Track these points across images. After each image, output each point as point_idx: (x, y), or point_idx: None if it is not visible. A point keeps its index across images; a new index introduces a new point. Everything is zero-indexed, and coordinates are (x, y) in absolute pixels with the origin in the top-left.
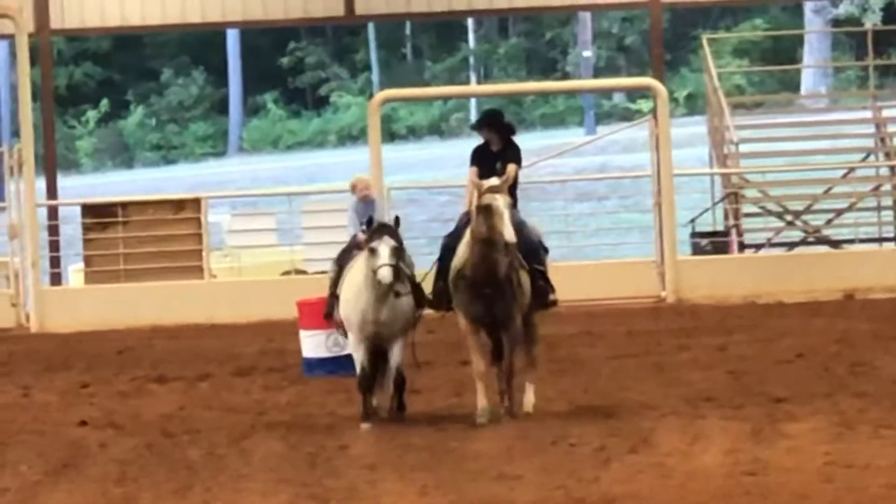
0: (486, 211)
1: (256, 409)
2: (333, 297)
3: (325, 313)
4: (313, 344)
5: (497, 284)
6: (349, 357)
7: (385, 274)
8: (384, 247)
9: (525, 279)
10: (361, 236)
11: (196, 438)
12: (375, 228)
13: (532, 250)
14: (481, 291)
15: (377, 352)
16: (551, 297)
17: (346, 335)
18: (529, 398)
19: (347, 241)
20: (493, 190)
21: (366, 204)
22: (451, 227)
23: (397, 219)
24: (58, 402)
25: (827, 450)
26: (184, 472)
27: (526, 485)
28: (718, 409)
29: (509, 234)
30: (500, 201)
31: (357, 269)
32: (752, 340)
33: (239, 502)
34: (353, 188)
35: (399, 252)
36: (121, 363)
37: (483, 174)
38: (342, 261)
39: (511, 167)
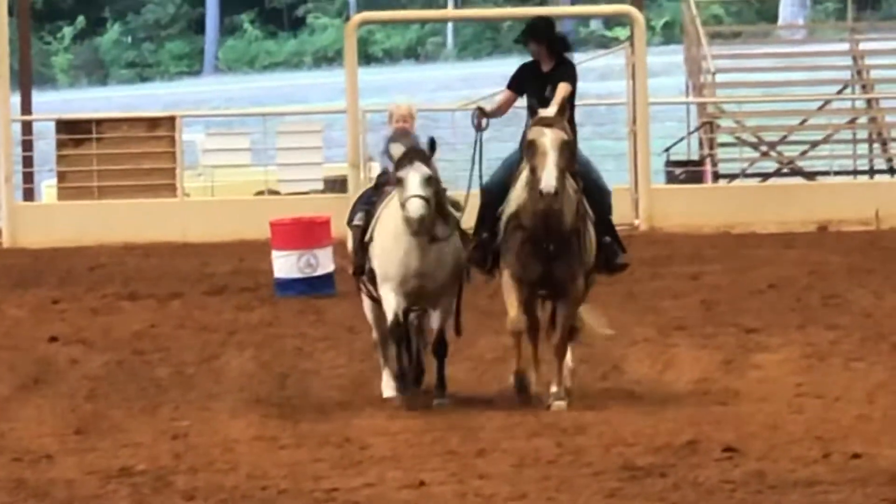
0: (529, 149)
1: (227, 328)
2: (362, 247)
3: (354, 269)
4: (285, 264)
5: (562, 239)
6: (321, 278)
7: (415, 207)
8: (413, 174)
9: (591, 233)
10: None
11: (167, 356)
12: (403, 154)
13: (599, 197)
14: (540, 247)
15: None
16: (620, 257)
17: (373, 296)
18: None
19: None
20: (543, 122)
21: (402, 137)
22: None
23: (432, 142)
24: (28, 318)
25: (798, 381)
26: (153, 389)
27: (495, 410)
28: (690, 338)
29: (547, 181)
30: (549, 137)
31: (392, 211)
32: (724, 270)
33: (208, 421)
34: (389, 117)
35: (433, 182)
36: (92, 280)
37: (531, 100)
38: (369, 203)
39: (562, 87)
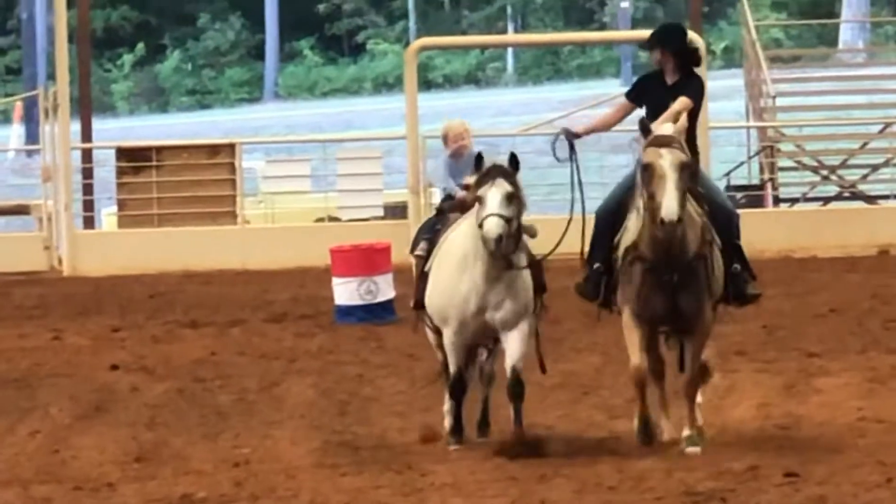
0: (645, 172)
1: (288, 355)
2: (423, 279)
3: (414, 302)
4: (345, 291)
5: (687, 268)
6: (381, 304)
7: (493, 225)
8: (495, 191)
9: (719, 260)
10: (461, 193)
11: (227, 384)
12: (486, 171)
13: (726, 222)
14: (663, 278)
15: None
16: (751, 287)
17: (436, 332)
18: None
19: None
20: (659, 142)
21: (461, 159)
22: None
23: (514, 158)
24: (89, 346)
25: (859, 405)
26: (214, 417)
27: (556, 435)
28: (751, 363)
29: (668, 208)
30: (667, 159)
31: (453, 240)
32: (786, 294)
33: (269, 448)
34: (445, 139)
35: (516, 202)
36: (153, 308)
37: (650, 114)
38: (432, 231)
39: (681, 101)
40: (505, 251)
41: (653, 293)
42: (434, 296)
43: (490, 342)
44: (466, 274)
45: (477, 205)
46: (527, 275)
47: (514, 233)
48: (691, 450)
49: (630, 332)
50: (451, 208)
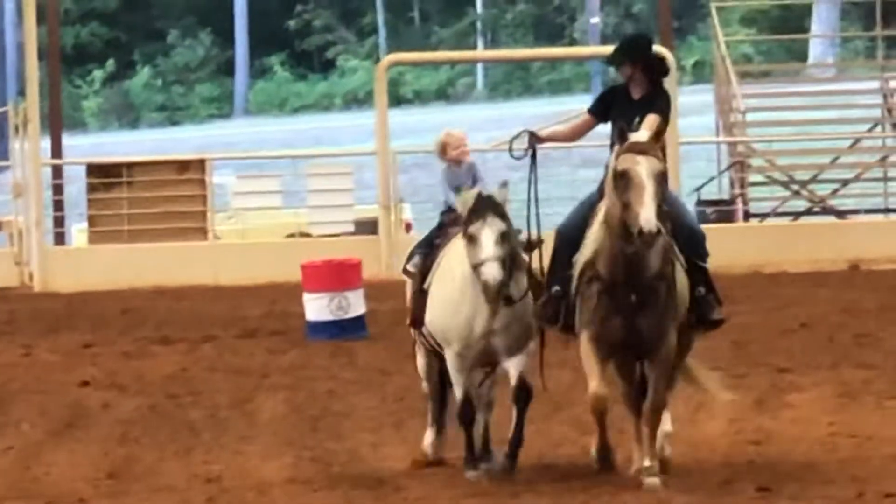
0: (621, 180)
1: (260, 371)
2: (421, 296)
3: (411, 321)
4: (317, 307)
5: (648, 287)
6: (352, 320)
7: (491, 273)
8: (488, 231)
9: (683, 280)
10: (462, 207)
11: (199, 400)
12: (475, 204)
13: (691, 241)
14: (623, 300)
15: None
16: (716, 312)
17: (436, 348)
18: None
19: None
20: (635, 149)
21: (460, 168)
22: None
23: (505, 186)
24: (61, 362)
25: (831, 420)
26: (186, 433)
27: (529, 452)
28: (722, 379)
29: (647, 217)
30: (645, 166)
31: (454, 257)
32: (756, 310)
33: (242, 464)
34: (443, 149)
35: (509, 238)
36: (124, 324)
37: (616, 130)
38: (429, 246)
39: (650, 119)
40: (504, 292)
41: (611, 314)
42: (436, 316)
43: (489, 366)
44: (468, 296)
45: (468, 243)
46: (527, 298)
47: (509, 269)
48: (650, 482)
49: (587, 357)
50: (452, 221)
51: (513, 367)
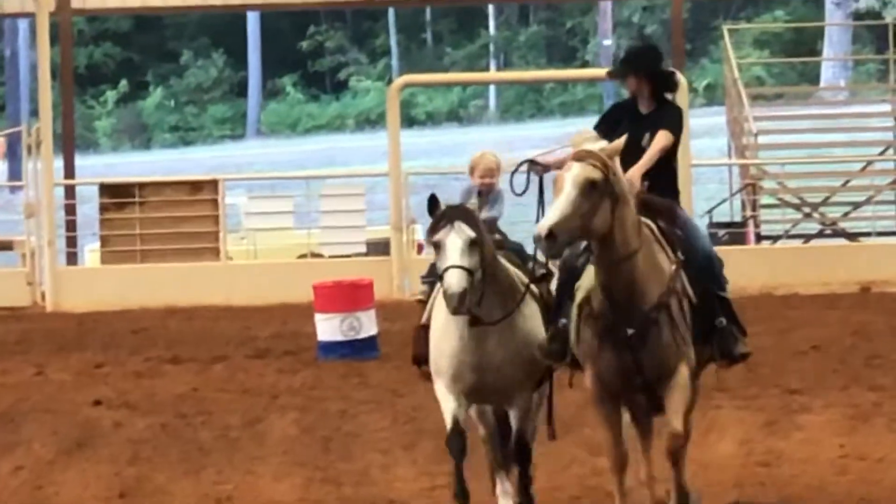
0: (555, 187)
1: (270, 391)
2: (422, 330)
3: (413, 356)
4: (328, 327)
5: (643, 319)
6: (364, 341)
7: (449, 281)
8: (454, 239)
9: (687, 312)
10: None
11: (210, 420)
12: (442, 213)
13: (709, 268)
14: (617, 335)
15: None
16: (740, 346)
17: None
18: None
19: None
20: (576, 156)
21: (483, 194)
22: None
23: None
24: (72, 382)
25: (841, 442)
26: (197, 453)
27: (538, 473)
28: (732, 400)
29: (543, 220)
30: (571, 173)
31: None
32: (767, 331)
33: (251, 484)
34: (472, 170)
35: (478, 248)
36: (136, 343)
37: (624, 149)
38: (434, 274)
39: (661, 136)
40: (469, 307)
41: (604, 350)
42: (433, 345)
43: (491, 404)
44: (452, 326)
45: (434, 251)
46: (529, 329)
47: (479, 284)
48: None
49: (595, 408)
50: None
51: (512, 417)
